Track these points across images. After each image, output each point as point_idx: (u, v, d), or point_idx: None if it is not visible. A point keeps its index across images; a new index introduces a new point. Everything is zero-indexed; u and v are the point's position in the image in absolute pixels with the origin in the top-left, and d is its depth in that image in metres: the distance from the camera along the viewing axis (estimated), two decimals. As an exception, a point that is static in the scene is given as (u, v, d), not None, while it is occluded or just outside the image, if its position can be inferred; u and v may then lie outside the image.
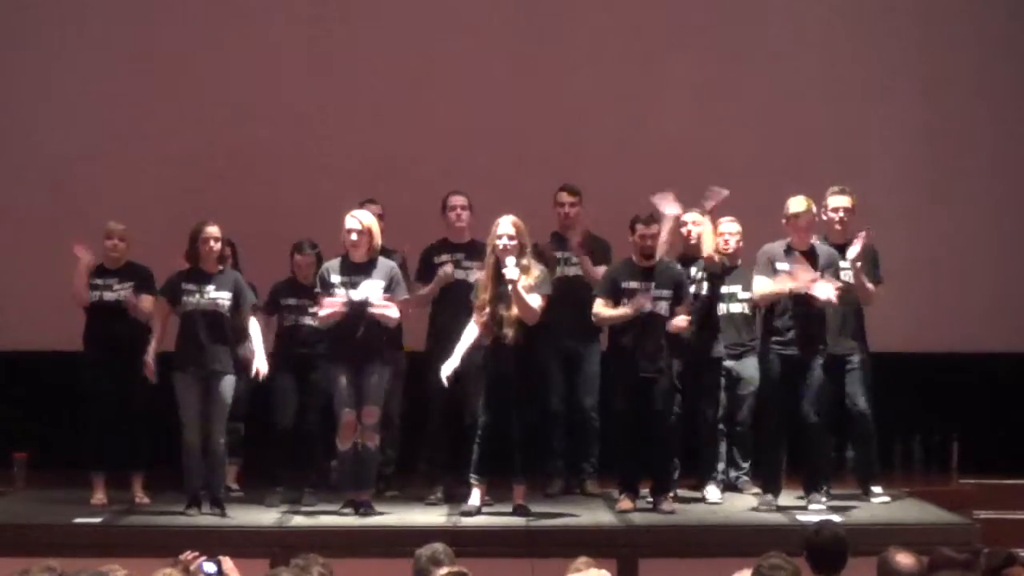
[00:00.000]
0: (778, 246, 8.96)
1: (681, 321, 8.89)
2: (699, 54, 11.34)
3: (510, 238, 8.62)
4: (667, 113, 11.25)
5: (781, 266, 8.87)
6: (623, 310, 8.88)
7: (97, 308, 9.21)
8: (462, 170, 10.56)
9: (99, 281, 9.24)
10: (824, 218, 9.26)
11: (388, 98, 11.16)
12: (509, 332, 8.63)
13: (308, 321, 9.18)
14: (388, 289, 8.81)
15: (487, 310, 8.67)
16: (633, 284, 8.94)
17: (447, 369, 8.70)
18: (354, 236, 8.78)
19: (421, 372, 9.46)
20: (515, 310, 8.60)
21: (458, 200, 9.54)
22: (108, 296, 9.21)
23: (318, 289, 8.89)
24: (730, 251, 9.53)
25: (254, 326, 8.98)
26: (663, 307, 8.91)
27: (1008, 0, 11.44)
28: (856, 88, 11.27)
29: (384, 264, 8.88)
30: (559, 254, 9.63)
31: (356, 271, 8.81)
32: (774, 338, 8.90)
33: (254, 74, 11.17)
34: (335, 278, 8.79)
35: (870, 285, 9.03)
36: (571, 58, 11.23)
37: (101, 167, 11.06)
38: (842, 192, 9.30)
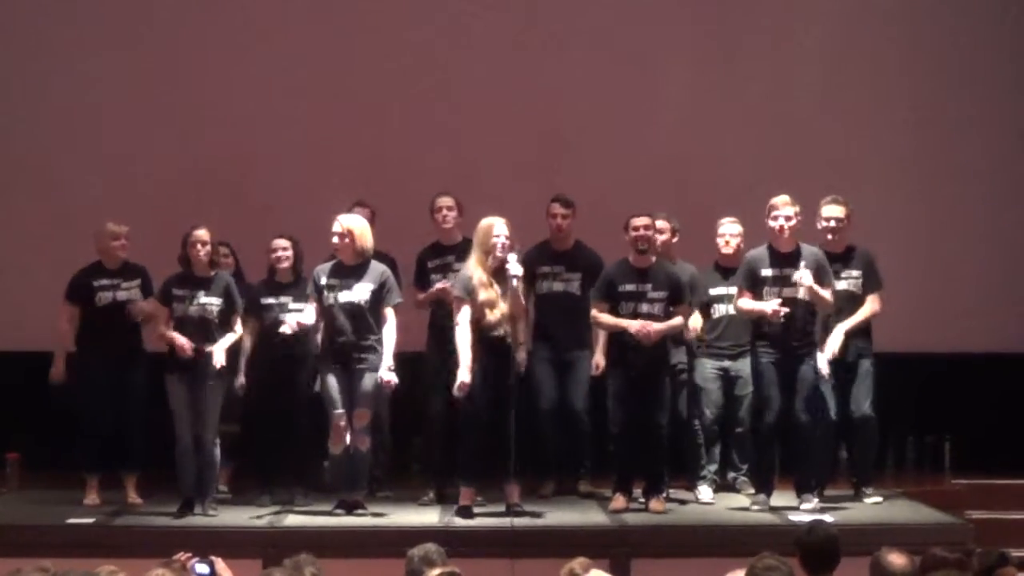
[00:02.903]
0: (761, 252, 8.97)
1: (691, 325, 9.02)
2: (694, 58, 11.37)
3: (507, 238, 8.65)
4: (662, 117, 11.27)
5: (765, 272, 8.88)
6: (622, 322, 8.88)
7: (105, 308, 9.19)
8: (458, 174, 10.56)
9: (106, 282, 9.23)
10: (819, 227, 9.26)
11: (384, 102, 11.16)
12: (507, 330, 8.64)
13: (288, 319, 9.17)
14: (379, 293, 8.81)
15: (498, 308, 8.65)
16: (629, 287, 8.94)
17: (466, 377, 8.60)
18: (335, 239, 8.82)
19: (416, 373, 9.46)
20: (508, 309, 8.63)
21: (444, 201, 9.56)
22: (121, 295, 9.21)
23: (311, 291, 8.89)
24: (731, 252, 9.53)
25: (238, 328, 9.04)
26: (659, 308, 8.92)
27: (999, 0, 11.47)
28: (848, 91, 11.29)
29: (376, 268, 8.88)
30: (549, 268, 9.63)
31: (347, 274, 8.82)
32: (764, 342, 8.91)
33: (251, 76, 11.18)
34: (324, 280, 8.80)
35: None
36: (567, 62, 11.24)
37: (100, 168, 11.07)
38: (834, 202, 9.27)
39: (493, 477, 8.82)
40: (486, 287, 8.66)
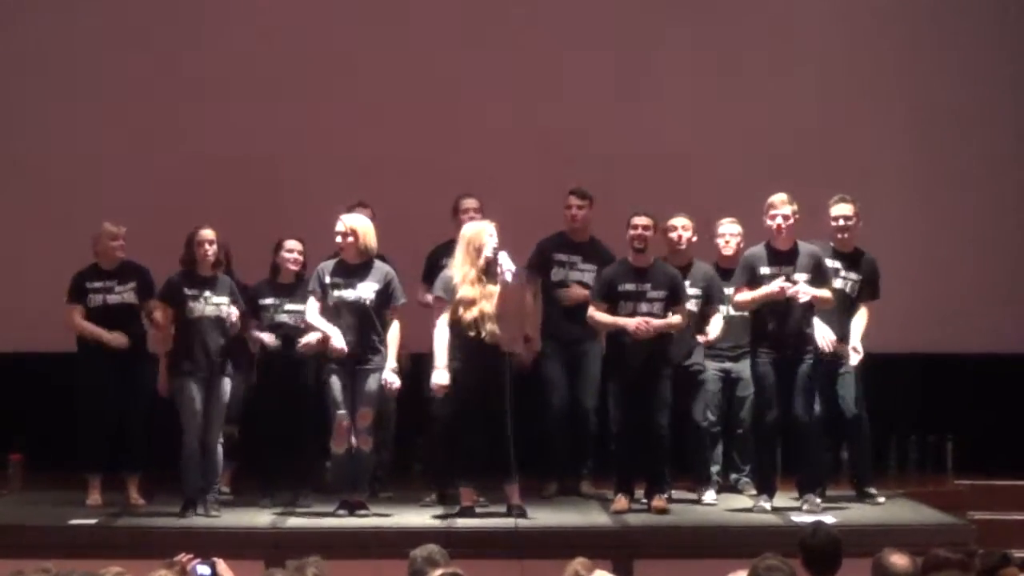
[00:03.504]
0: (759, 250, 8.97)
1: (675, 319, 8.92)
2: (695, 58, 11.37)
3: (497, 239, 8.67)
4: (663, 117, 11.27)
5: (763, 270, 8.88)
6: (620, 321, 8.87)
7: (99, 311, 9.19)
8: (459, 172, 10.57)
9: (99, 284, 9.22)
10: (831, 226, 9.26)
11: (385, 100, 11.17)
12: (491, 328, 8.62)
13: (288, 320, 9.19)
14: (384, 293, 8.81)
15: (476, 307, 8.65)
16: (629, 287, 8.94)
17: (443, 379, 8.63)
18: (338, 239, 8.83)
19: (419, 373, 9.45)
20: (495, 308, 8.61)
21: (470, 203, 9.55)
22: (112, 299, 9.21)
23: (312, 288, 8.89)
24: (731, 253, 9.53)
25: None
26: (658, 308, 8.91)
27: (999, 1, 11.46)
28: (849, 90, 11.30)
29: (380, 268, 8.89)
30: (564, 256, 9.65)
31: (350, 273, 8.83)
32: (762, 342, 8.90)
33: (251, 77, 11.18)
34: (328, 279, 8.81)
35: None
36: (568, 62, 11.24)
37: (99, 168, 11.09)
38: (842, 200, 9.28)
39: (494, 477, 8.82)
40: (471, 283, 8.65)
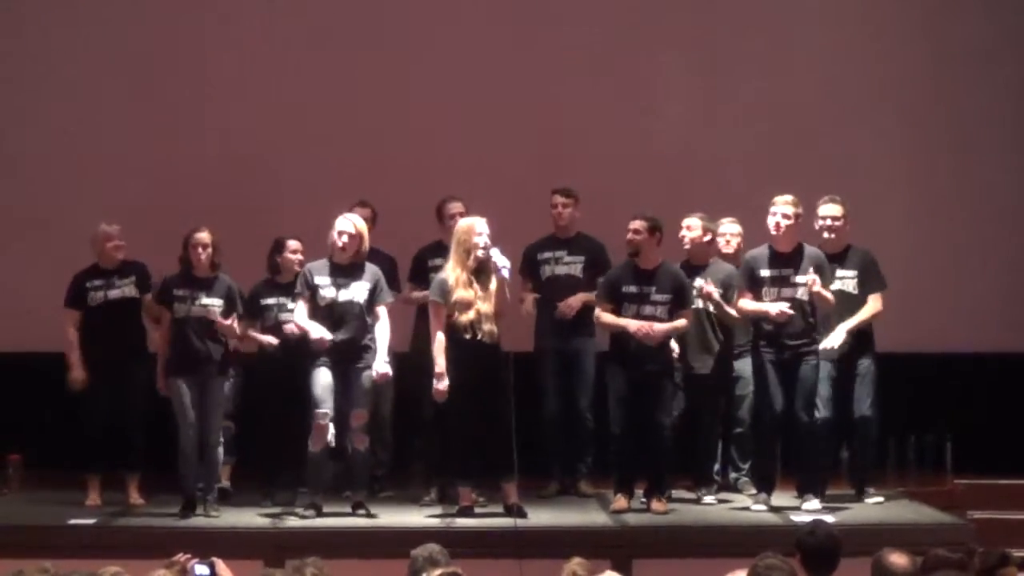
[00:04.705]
0: (761, 252, 8.97)
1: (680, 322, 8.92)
2: (696, 54, 11.38)
3: (488, 236, 8.63)
4: (663, 117, 11.27)
5: (764, 272, 8.88)
6: (622, 322, 8.86)
7: (99, 308, 9.20)
8: (459, 172, 10.57)
9: (99, 281, 9.24)
10: (816, 227, 9.25)
11: (383, 99, 11.16)
12: (489, 329, 8.61)
13: (289, 319, 9.19)
14: (373, 293, 8.81)
15: (472, 309, 8.63)
16: (632, 288, 8.93)
17: (443, 384, 8.60)
18: (345, 239, 8.80)
19: (410, 372, 9.45)
20: (492, 307, 8.60)
21: (456, 207, 9.52)
22: (113, 294, 9.22)
23: (298, 290, 8.88)
24: (732, 252, 9.53)
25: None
26: (662, 311, 8.90)
27: (998, 2, 11.46)
28: (854, 88, 11.28)
29: (370, 268, 8.90)
30: (548, 254, 9.66)
31: (341, 273, 8.82)
32: (764, 341, 8.90)
33: (248, 75, 11.18)
34: (319, 280, 8.80)
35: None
36: (568, 61, 11.24)
37: (99, 168, 11.08)
38: (831, 201, 9.26)
39: (494, 476, 8.81)
40: (465, 286, 8.63)
